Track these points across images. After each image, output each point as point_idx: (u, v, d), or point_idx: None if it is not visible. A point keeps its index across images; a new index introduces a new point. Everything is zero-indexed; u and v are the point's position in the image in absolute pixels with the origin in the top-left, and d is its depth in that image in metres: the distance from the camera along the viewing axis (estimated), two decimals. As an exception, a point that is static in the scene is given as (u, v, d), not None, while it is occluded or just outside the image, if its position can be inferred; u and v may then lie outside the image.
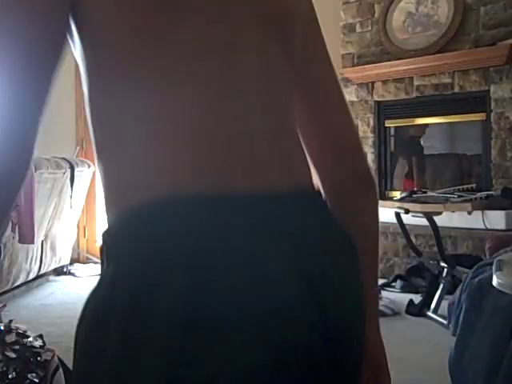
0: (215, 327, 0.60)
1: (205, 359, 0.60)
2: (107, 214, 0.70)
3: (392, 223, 4.28)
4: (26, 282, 4.38)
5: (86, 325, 0.66)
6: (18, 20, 0.65)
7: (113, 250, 0.68)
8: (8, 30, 0.65)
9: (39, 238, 4.27)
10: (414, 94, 4.97)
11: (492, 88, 4.49)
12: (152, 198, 0.64)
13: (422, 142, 5.32)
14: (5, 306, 2.88)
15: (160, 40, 0.66)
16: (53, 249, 4.67)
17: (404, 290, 4.30)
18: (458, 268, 3.55)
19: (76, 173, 4.62)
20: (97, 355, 0.63)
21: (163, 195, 0.64)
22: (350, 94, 5.37)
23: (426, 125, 5.18)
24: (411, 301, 3.74)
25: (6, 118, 0.66)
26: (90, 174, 5.03)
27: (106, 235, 0.69)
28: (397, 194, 4.91)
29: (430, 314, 3.52)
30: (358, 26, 5.31)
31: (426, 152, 5.34)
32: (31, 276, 4.37)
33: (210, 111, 0.68)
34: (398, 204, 4.11)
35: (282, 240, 0.66)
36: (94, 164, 5.25)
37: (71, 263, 5.25)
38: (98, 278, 0.68)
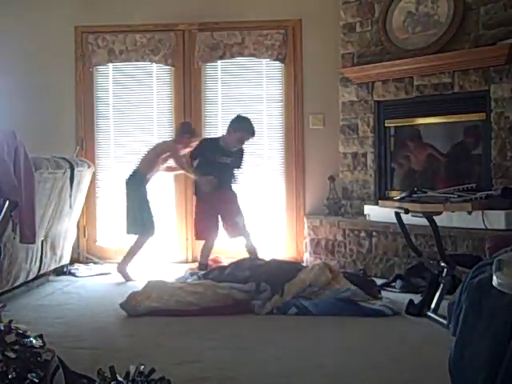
0: None
1: None
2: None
3: (392, 223, 4.28)
4: (26, 282, 4.38)
5: None
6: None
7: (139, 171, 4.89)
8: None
9: (39, 237, 4.27)
10: (414, 94, 4.97)
11: (492, 88, 4.49)
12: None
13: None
14: (5, 305, 2.88)
15: None
16: (53, 249, 4.67)
17: (404, 289, 4.30)
18: (458, 268, 3.55)
19: (76, 173, 4.61)
20: None
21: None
22: (349, 94, 5.38)
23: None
24: (411, 301, 3.73)
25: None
26: (89, 174, 5.02)
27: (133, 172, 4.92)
28: (397, 194, 4.91)
29: (430, 314, 3.51)
30: (357, 25, 5.31)
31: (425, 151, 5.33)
32: (31, 276, 4.37)
33: None
34: (397, 204, 4.11)
35: None
36: (93, 164, 5.25)
37: (71, 263, 5.25)
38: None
